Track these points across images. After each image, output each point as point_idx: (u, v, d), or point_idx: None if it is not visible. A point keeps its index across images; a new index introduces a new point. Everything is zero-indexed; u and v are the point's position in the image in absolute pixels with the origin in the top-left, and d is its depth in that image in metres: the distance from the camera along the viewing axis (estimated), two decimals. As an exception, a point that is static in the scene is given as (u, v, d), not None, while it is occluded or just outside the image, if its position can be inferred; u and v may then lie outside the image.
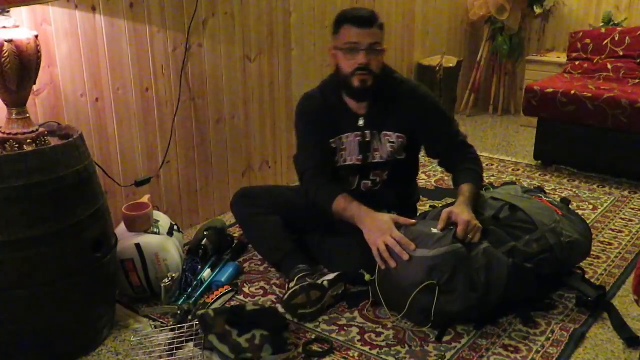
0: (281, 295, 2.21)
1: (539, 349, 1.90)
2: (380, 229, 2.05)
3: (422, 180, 3.36)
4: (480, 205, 2.19)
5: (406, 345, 1.93)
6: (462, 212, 2.04)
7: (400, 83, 2.32)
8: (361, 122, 2.28)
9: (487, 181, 3.15)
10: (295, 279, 2.13)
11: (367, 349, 1.92)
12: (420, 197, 2.55)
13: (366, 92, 2.22)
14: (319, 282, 2.11)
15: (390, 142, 2.29)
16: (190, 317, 2.01)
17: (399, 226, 2.06)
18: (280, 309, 2.07)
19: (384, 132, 2.28)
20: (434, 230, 2.01)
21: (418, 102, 2.29)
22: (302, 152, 2.37)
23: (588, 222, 2.81)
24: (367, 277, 2.09)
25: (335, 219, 2.23)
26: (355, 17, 2.18)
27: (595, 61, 3.75)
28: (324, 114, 2.30)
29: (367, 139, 2.28)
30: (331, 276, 2.15)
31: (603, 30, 3.85)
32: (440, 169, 2.88)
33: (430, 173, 3.48)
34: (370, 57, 2.16)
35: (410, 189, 2.53)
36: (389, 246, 2.00)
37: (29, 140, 1.82)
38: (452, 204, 2.14)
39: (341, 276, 2.17)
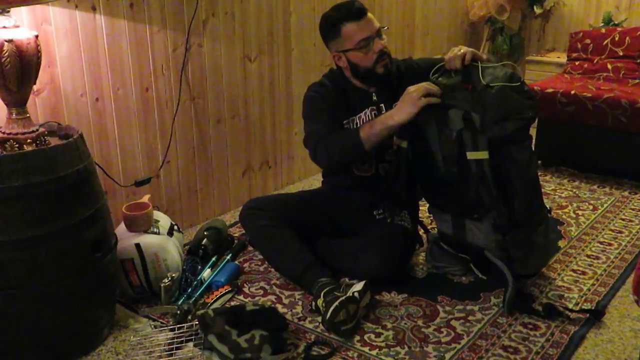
0: (281, 295, 2.22)
1: (539, 350, 1.90)
2: (408, 101, 2.08)
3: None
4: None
5: (405, 345, 1.93)
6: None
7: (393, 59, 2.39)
8: (374, 97, 2.32)
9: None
10: (322, 294, 2.05)
11: (366, 349, 1.92)
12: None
13: (389, 75, 2.27)
14: (350, 294, 2.02)
15: None
16: (190, 317, 2.02)
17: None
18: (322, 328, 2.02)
19: (396, 104, 2.27)
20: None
21: (414, 68, 2.36)
22: (313, 127, 2.27)
23: (588, 222, 2.83)
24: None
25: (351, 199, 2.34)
26: (349, 12, 2.19)
27: (595, 61, 3.75)
28: (336, 97, 2.31)
29: (383, 112, 2.29)
30: (358, 286, 2.07)
31: (603, 30, 3.85)
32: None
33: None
34: (384, 40, 2.23)
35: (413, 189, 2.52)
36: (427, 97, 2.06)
37: (29, 140, 1.82)
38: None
39: (367, 284, 2.09)
